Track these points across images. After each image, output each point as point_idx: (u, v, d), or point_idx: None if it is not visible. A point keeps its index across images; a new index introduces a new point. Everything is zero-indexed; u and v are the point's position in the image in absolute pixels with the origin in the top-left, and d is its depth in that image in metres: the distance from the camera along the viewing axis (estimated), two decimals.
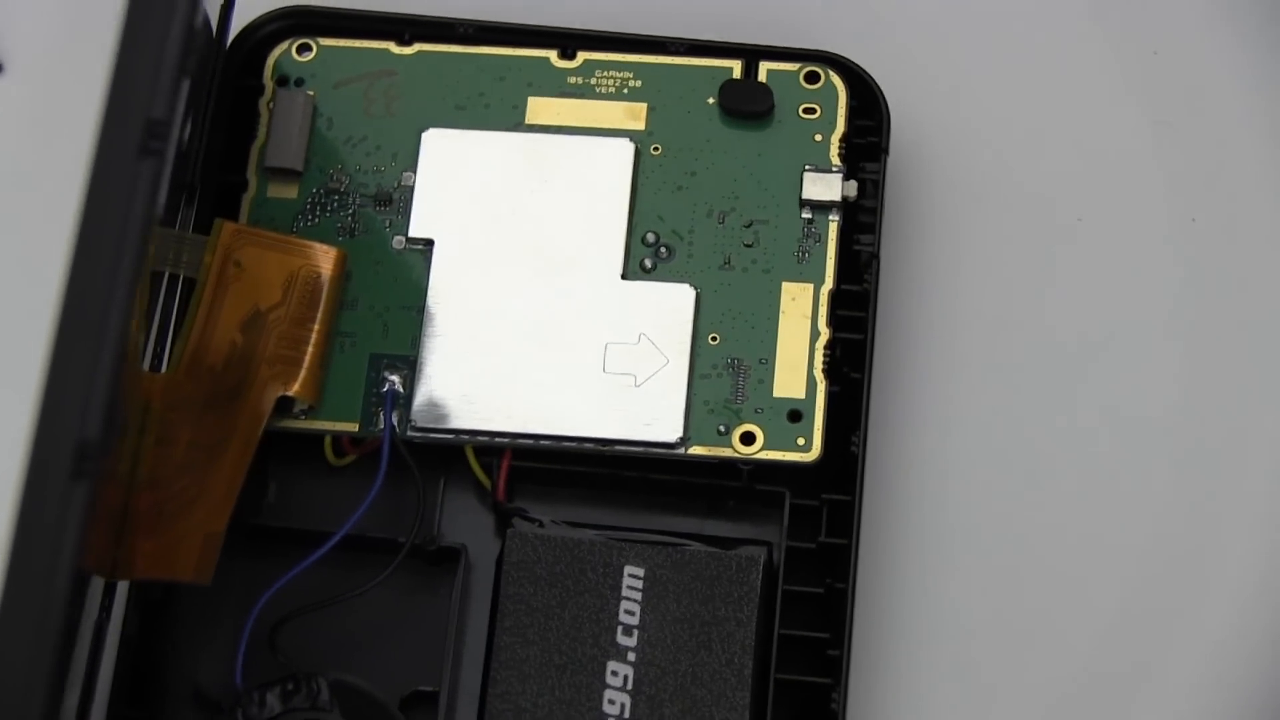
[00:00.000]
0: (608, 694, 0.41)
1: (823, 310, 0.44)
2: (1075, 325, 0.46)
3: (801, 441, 0.43)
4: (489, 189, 0.45)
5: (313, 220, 0.45)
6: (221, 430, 0.42)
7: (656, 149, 0.45)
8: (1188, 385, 0.46)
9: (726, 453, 0.43)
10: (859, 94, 0.46)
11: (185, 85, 0.40)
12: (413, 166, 0.45)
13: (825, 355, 0.43)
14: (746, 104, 0.46)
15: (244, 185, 0.45)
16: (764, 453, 0.43)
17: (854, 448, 0.43)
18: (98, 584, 0.41)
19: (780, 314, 0.44)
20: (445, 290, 0.44)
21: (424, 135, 0.45)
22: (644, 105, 0.46)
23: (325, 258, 0.44)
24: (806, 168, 0.45)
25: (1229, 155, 0.48)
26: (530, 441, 0.43)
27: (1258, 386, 0.46)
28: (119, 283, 0.36)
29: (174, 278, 0.43)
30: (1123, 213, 0.47)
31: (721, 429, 0.43)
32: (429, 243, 0.44)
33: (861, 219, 0.45)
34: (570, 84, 0.46)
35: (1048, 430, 0.45)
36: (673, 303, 0.44)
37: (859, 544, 0.42)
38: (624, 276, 0.44)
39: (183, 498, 0.41)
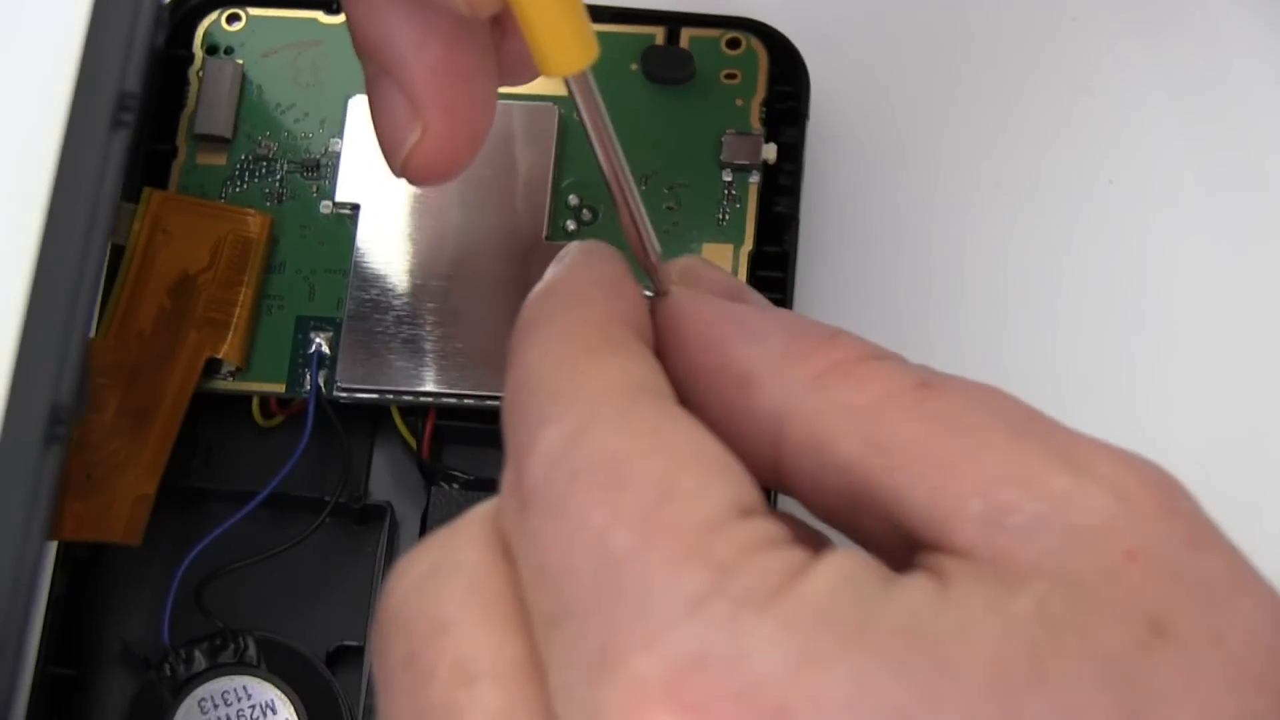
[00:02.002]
0: None
1: (742, 271, 0.45)
2: (991, 286, 0.47)
3: None
4: None
5: (241, 186, 0.46)
6: (151, 394, 0.43)
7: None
8: (1103, 344, 0.47)
9: None
10: (780, 60, 0.47)
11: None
12: (340, 133, 0.46)
13: None
14: (668, 70, 0.46)
15: (173, 153, 0.46)
16: None
17: None
18: None
19: None
20: (371, 253, 0.45)
21: (350, 102, 0.46)
22: None
23: (253, 223, 0.45)
24: (727, 132, 0.46)
25: (1145, 119, 0.49)
26: (454, 400, 0.44)
27: (1170, 344, 0.47)
28: (91, 252, 0.37)
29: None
30: (1040, 176, 0.48)
31: None
32: (355, 207, 0.45)
33: (781, 182, 0.46)
34: None
35: None
36: None
37: (775, 502, 0.43)
38: (548, 238, 0.45)
39: (112, 461, 0.42)
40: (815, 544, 0.29)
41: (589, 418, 0.30)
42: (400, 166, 0.36)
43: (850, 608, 0.27)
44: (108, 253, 0.43)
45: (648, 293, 0.37)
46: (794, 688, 0.26)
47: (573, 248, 0.34)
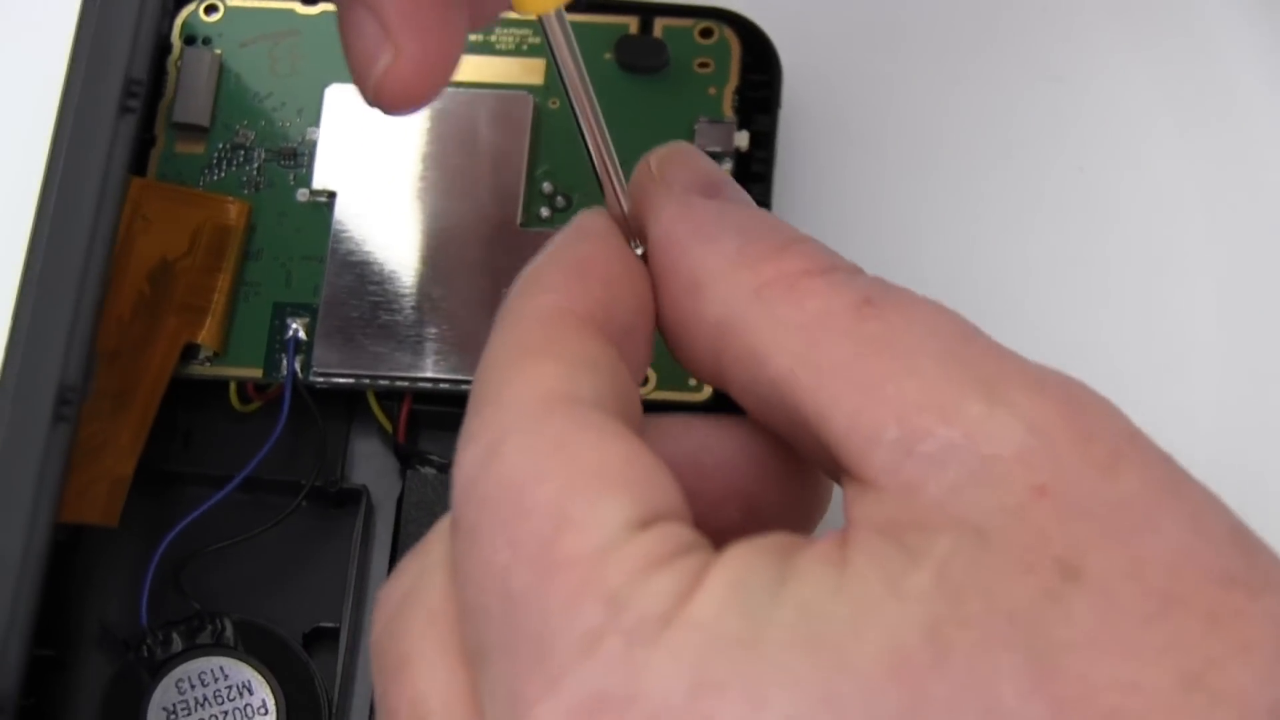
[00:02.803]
0: None
1: None
2: (962, 273, 0.48)
3: (693, 382, 0.44)
4: (391, 142, 0.46)
5: (219, 175, 0.46)
6: (130, 378, 0.43)
7: (555, 103, 0.46)
8: (1075, 331, 0.47)
9: None
10: (753, 49, 0.47)
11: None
12: (316, 122, 0.46)
13: None
14: (642, 59, 0.47)
15: (152, 141, 0.46)
16: (657, 393, 0.44)
17: None
18: None
19: None
20: (347, 240, 0.45)
21: (327, 91, 0.46)
22: (543, 61, 0.47)
23: (231, 210, 0.45)
24: (701, 120, 0.46)
25: (1116, 108, 0.49)
26: (430, 385, 0.44)
27: (1138, 330, 0.47)
28: (100, 234, 0.38)
29: None
30: (1011, 164, 0.49)
31: None
32: (332, 195, 0.46)
33: (754, 169, 0.46)
34: (471, 41, 0.47)
35: None
36: None
37: None
38: (523, 225, 0.45)
39: (91, 444, 0.42)
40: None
41: (502, 435, 0.30)
42: (371, 91, 0.36)
43: (740, 621, 0.27)
44: (116, 235, 0.44)
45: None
46: (690, 717, 0.26)
47: (571, 222, 0.34)
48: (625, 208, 0.35)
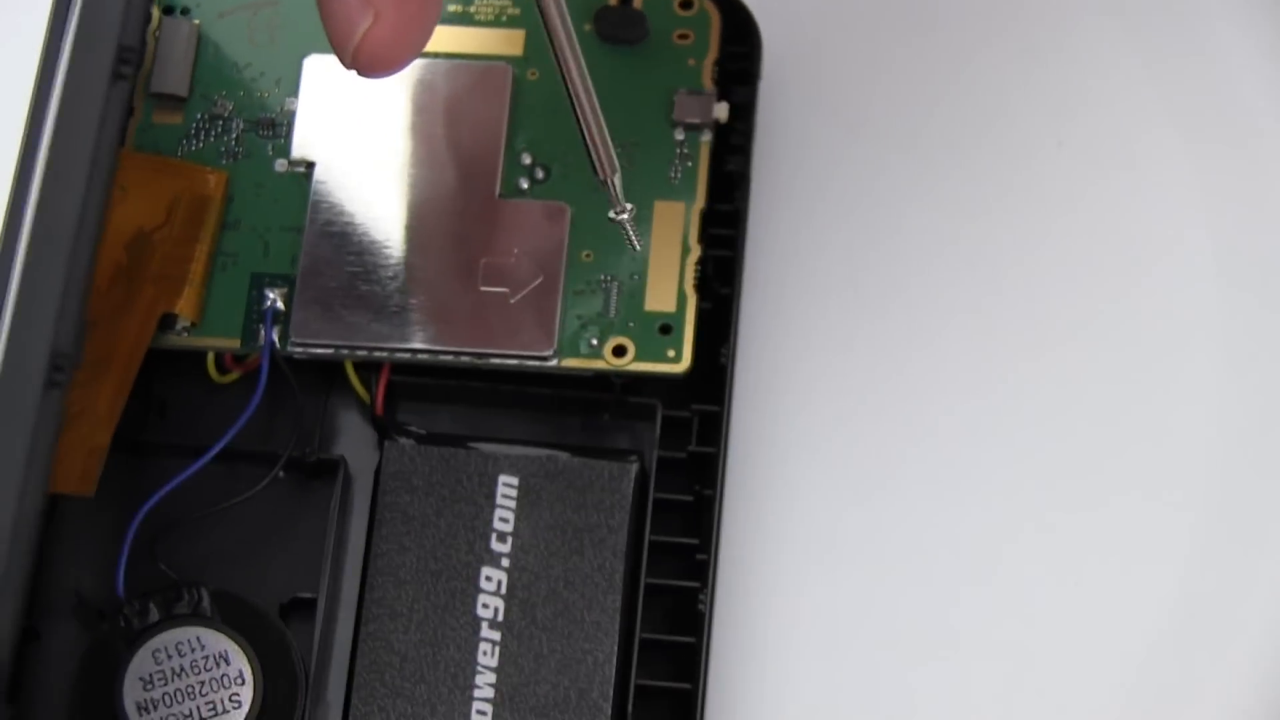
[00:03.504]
0: (481, 598, 0.43)
1: (694, 228, 0.45)
2: (939, 244, 0.48)
3: (671, 354, 0.44)
4: (369, 113, 0.46)
5: (197, 145, 0.46)
6: (106, 347, 0.43)
7: (534, 74, 0.46)
8: (1048, 303, 0.47)
9: (599, 364, 0.44)
10: (732, 21, 0.47)
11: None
12: (295, 93, 0.46)
13: (696, 271, 0.45)
14: (621, 31, 0.47)
15: (130, 112, 0.46)
16: (635, 364, 0.44)
17: (723, 360, 0.44)
18: None
19: (652, 231, 0.45)
20: (326, 211, 0.45)
21: (305, 62, 0.46)
22: (522, 32, 0.47)
23: (209, 180, 0.45)
24: (680, 91, 0.46)
25: (1094, 82, 0.49)
26: (408, 355, 0.44)
27: (1116, 303, 0.47)
28: (92, 202, 0.39)
29: None
30: (989, 137, 0.49)
31: (594, 342, 0.44)
32: (310, 165, 0.45)
33: (733, 141, 0.46)
34: (450, 12, 0.47)
35: (908, 342, 0.47)
36: (548, 221, 0.45)
37: (727, 453, 0.44)
38: (501, 196, 0.45)
39: (68, 413, 0.42)
40: None
41: None
42: (351, 55, 0.36)
43: None
44: (109, 203, 0.44)
45: (612, 214, 0.39)
46: None
47: None
48: (612, 174, 0.35)
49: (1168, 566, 0.45)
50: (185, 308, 0.44)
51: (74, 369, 0.38)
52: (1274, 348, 0.47)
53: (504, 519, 0.43)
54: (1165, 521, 0.46)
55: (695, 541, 0.43)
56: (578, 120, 0.37)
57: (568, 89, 0.36)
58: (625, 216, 0.42)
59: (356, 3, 0.36)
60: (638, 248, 0.43)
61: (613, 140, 0.45)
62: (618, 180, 0.41)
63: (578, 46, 0.35)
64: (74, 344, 0.38)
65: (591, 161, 0.40)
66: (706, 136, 0.46)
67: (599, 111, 0.37)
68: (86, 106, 0.39)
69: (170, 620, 0.43)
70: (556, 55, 0.35)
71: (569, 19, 0.35)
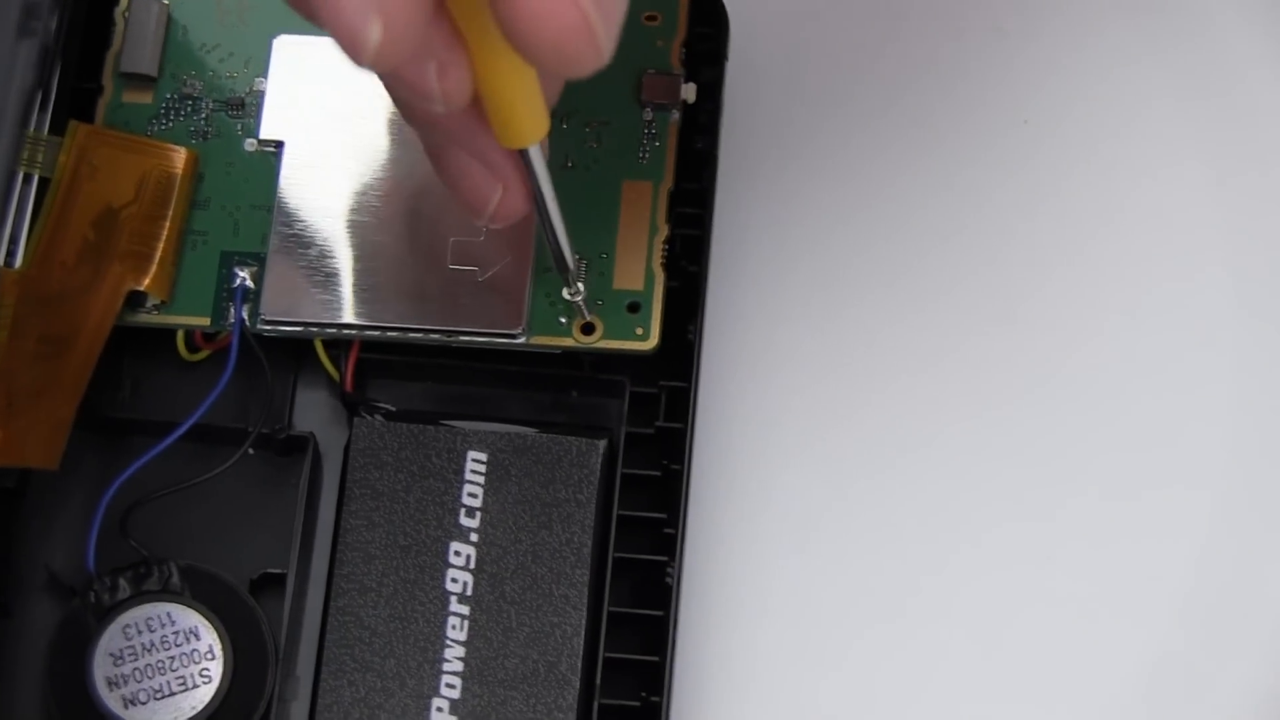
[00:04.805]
0: (450, 573, 0.43)
1: (662, 207, 0.45)
2: (907, 222, 0.48)
3: (640, 331, 0.44)
4: (337, 92, 0.46)
5: (167, 124, 0.46)
6: (72, 322, 0.43)
7: None
8: (1018, 275, 0.48)
9: (567, 342, 0.44)
10: (700, 2, 0.47)
11: None
12: (264, 72, 0.46)
13: (664, 250, 0.45)
14: None
15: (99, 91, 0.46)
16: (603, 342, 0.44)
17: (690, 337, 0.44)
18: None
19: (620, 211, 0.45)
20: (295, 190, 0.45)
21: (274, 42, 0.46)
22: None
23: (177, 158, 0.45)
24: (648, 72, 0.46)
25: (1060, 60, 0.49)
26: (378, 333, 0.44)
27: (1083, 277, 0.48)
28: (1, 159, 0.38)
29: (28, 177, 0.44)
30: (957, 115, 0.49)
31: (562, 320, 0.44)
32: (279, 144, 0.46)
33: (701, 120, 0.46)
34: None
35: (875, 317, 0.47)
36: None
37: (694, 428, 0.44)
38: None
39: (33, 388, 0.42)
40: None
41: None
42: (487, 220, 0.40)
43: None
44: (21, 171, 0.44)
45: (566, 294, 0.43)
46: None
47: None
48: (571, 270, 0.42)
49: (1149, 537, 0.46)
50: (152, 285, 0.44)
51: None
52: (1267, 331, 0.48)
53: (473, 494, 0.43)
54: (1135, 484, 0.46)
55: (663, 516, 0.44)
56: (546, 231, 0.41)
57: (546, 225, 0.41)
58: (579, 299, 0.43)
59: (485, 179, 0.39)
60: (587, 317, 0.44)
61: (582, 119, 0.46)
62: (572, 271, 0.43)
63: (553, 189, 0.40)
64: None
65: (553, 258, 0.42)
66: (674, 117, 0.46)
67: (567, 237, 0.41)
68: None
69: (141, 596, 0.43)
70: (541, 202, 0.40)
71: (547, 170, 0.39)
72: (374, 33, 0.33)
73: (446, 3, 0.35)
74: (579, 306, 0.44)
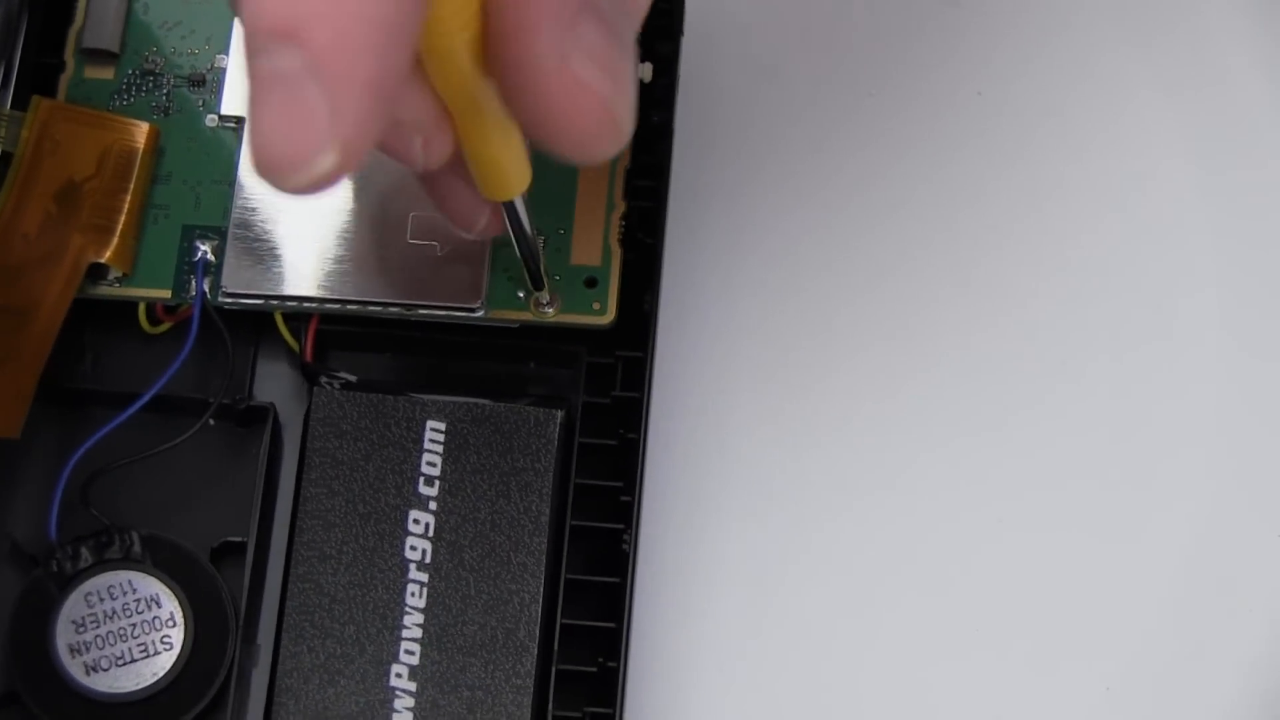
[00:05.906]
0: (409, 540, 0.43)
1: (618, 184, 0.46)
2: (863, 194, 0.49)
3: (597, 306, 0.45)
4: None
5: (128, 100, 0.47)
6: (33, 294, 0.43)
7: None
8: (972, 247, 0.48)
9: (525, 316, 0.45)
10: None
11: None
12: (226, 49, 0.47)
13: (621, 225, 0.45)
14: None
15: (61, 67, 0.47)
16: (561, 317, 0.45)
17: (646, 307, 0.45)
18: None
19: (577, 187, 0.46)
20: None
21: (236, 19, 0.47)
22: None
23: (138, 132, 0.45)
24: None
25: (1012, 32, 0.50)
26: (338, 306, 0.45)
27: (1035, 244, 0.48)
28: None
29: None
30: (911, 87, 0.49)
31: (520, 295, 0.45)
32: (240, 120, 0.46)
33: (657, 95, 0.47)
34: None
35: (830, 286, 0.48)
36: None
37: (650, 398, 0.44)
38: None
39: None
40: None
41: None
42: (474, 236, 0.42)
43: None
44: None
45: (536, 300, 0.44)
46: None
47: None
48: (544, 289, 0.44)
49: (1104, 505, 0.47)
50: (114, 257, 0.44)
51: None
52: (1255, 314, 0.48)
53: (432, 463, 0.44)
54: (1105, 466, 0.47)
55: (619, 484, 0.44)
56: (523, 255, 0.42)
57: (520, 242, 0.42)
58: (551, 311, 0.45)
59: (474, 200, 0.40)
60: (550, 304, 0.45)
61: None
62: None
63: (534, 231, 0.42)
64: None
65: (529, 278, 0.44)
66: None
67: (543, 262, 0.43)
68: None
69: (102, 564, 0.43)
70: (523, 249, 0.42)
71: (529, 217, 0.41)
72: (328, 161, 0.33)
73: (432, 81, 0.35)
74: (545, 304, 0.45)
